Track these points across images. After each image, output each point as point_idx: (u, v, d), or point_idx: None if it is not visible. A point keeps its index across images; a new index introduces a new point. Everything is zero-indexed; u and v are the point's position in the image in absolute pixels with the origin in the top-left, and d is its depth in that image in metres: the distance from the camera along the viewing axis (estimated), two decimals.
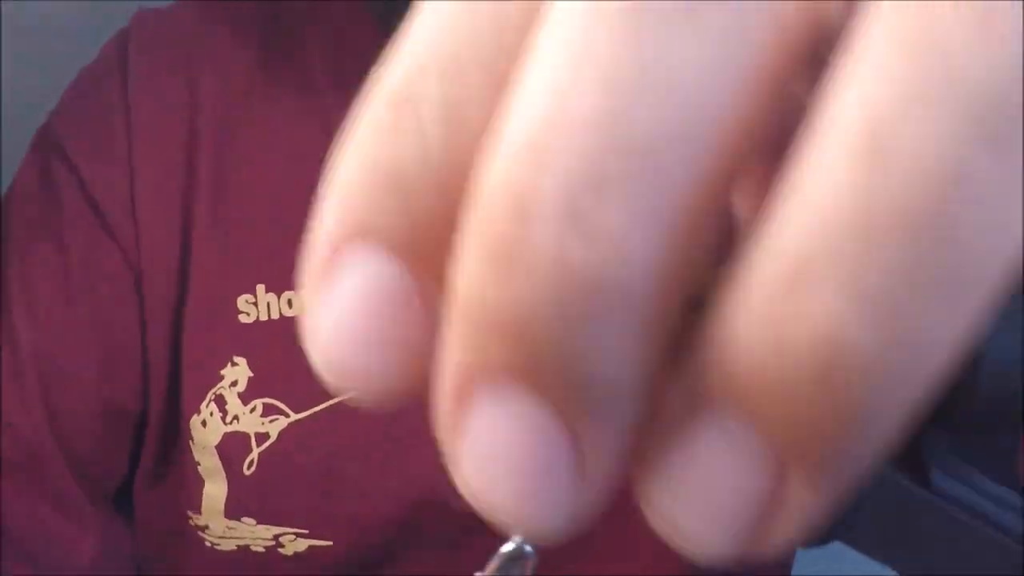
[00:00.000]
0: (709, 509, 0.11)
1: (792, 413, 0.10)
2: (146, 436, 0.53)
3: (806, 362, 0.10)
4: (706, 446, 0.11)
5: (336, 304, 0.12)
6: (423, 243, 0.12)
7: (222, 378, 0.50)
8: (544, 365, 0.11)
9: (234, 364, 0.50)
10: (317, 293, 0.12)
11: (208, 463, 0.50)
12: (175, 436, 0.52)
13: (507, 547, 0.19)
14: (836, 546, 0.25)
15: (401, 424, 0.50)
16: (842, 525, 0.25)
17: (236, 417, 0.50)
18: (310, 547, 0.50)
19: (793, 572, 0.58)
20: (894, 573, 0.45)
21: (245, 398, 0.50)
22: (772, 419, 0.11)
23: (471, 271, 0.11)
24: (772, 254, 0.10)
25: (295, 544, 0.50)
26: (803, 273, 0.10)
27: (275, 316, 0.51)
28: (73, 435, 0.51)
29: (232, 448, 0.50)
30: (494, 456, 0.11)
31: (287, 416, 0.50)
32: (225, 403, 0.50)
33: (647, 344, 0.11)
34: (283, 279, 0.51)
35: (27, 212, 0.54)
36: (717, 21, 0.11)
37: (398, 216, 0.12)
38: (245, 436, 0.50)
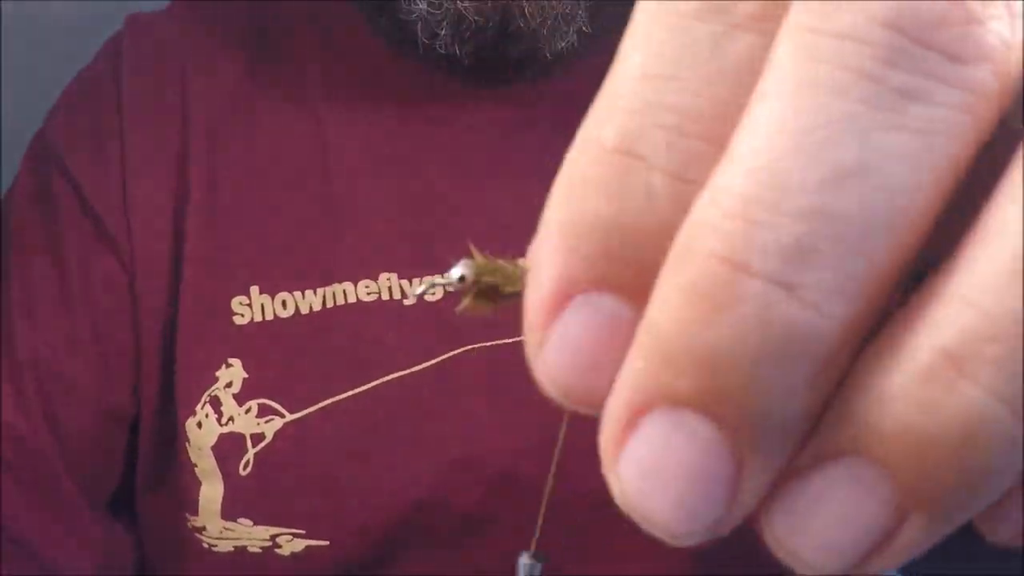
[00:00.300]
0: (827, 539, 0.13)
1: (928, 467, 0.12)
2: (140, 440, 0.53)
3: (953, 428, 0.12)
4: (835, 485, 0.13)
5: (566, 335, 0.14)
6: (646, 283, 0.13)
7: (217, 380, 0.50)
8: (729, 399, 0.12)
9: (229, 366, 0.50)
10: (547, 326, 0.14)
11: (204, 465, 0.50)
12: (171, 439, 0.52)
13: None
14: None
15: (398, 424, 0.50)
16: None
17: (231, 418, 0.50)
18: (307, 548, 0.50)
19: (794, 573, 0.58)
20: (894, 572, 0.44)
21: (240, 399, 0.50)
22: (908, 469, 0.12)
23: (675, 308, 0.13)
24: (932, 334, 0.12)
25: (292, 545, 0.50)
26: (960, 363, 0.12)
27: (269, 317, 0.51)
28: (72, 440, 0.52)
29: (228, 449, 0.50)
30: (660, 467, 0.13)
31: (282, 416, 0.50)
32: (220, 404, 0.50)
33: (822, 390, 0.13)
34: (277, 280, 0.51)
35: (25, 220, 0.54)
36: (924, 116, 0.12)
37: (628, 266, 0.13)
38: (240, 437, 0.50)
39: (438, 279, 0.18)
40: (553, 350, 0.14)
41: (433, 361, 0.50)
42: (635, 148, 0.13)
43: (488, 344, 0.51)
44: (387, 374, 0.50)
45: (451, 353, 0.51)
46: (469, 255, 0.18)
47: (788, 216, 0.12)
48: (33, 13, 0.71)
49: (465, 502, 0.50)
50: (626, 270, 0.13)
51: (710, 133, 0.13)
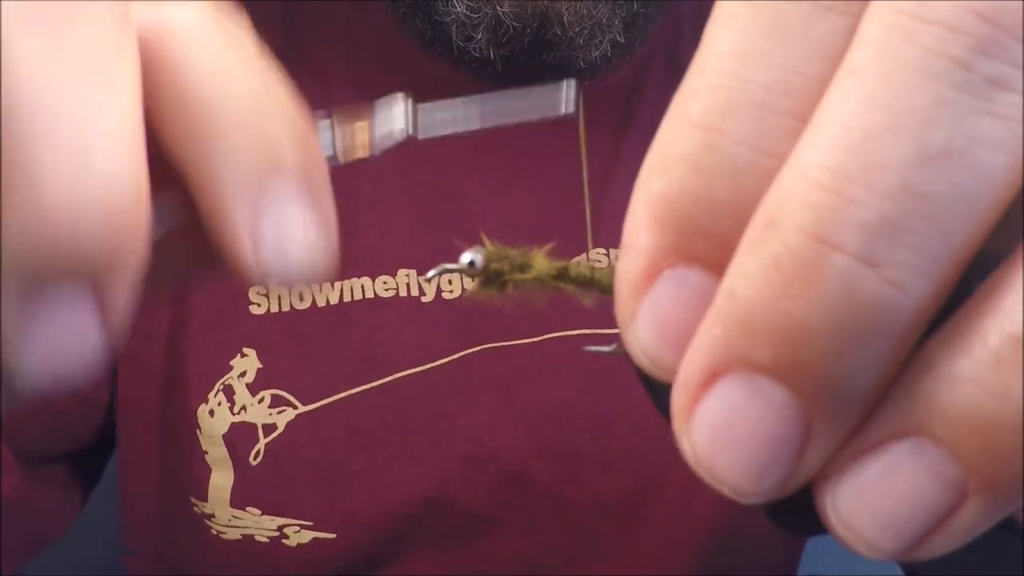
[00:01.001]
0: (887, 516, 0.13)
1: (994, 450, 0.13)
2: (137, 426, 0.54)
3: (1022, 413, 0.12)
4: (900, 463, 0.13)
5: (656, 308, 0.14)
6: (727, 255, 0.14)
7: (231, 368, 0.50)
8: (806, 370, 0.13)
9: (244, 355, 0.50)
10: (637, 300, 0.15)
11: (215, 452, 0.50)
12: (179, 425, 0.51)
13: None
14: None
15: (409, 420, 0.50)
16: None
17: (244, 407, 0.50)
18: (314, 539, 0.50)
19: (800, 572, 0.59)
20: (896, 571, 0.45)
21: (253, 389, 0.50)
22: (973, 451, 0.13)
23: (758, 279, 0.13)
24: (1003, 320, 0.13)
25: (299, 536, 0.50)
26: None
27: (286, 308, 0.51)
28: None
29: (239, 438, 0.50)
30: (733, 428, 0.14)
31: (295, 408, 0.50)
32: (233, 393, 0.50)
33: (894, 365, 0.13)
34: None
35: None
36: (1010, 103, 0.13)
37: (712, 239, 0.14)
38: (252, 427, 0.50)
39: (449, 264, 0.19)
40: (644, 323, 0.14)
41: (447, 359, 0.51)
42: (720, 123, 0.13)
43: (502, 344, 0.51)
44: (401, 370, 0.50)
45: (465, 352, 0.51)
46: (480, 244, 0.18)
47: (880, 194, 0.12)
48: None
49: (473, 500, 0.51)
50: (710, 243, 0.14)
51: (795, 109, 0.13)
